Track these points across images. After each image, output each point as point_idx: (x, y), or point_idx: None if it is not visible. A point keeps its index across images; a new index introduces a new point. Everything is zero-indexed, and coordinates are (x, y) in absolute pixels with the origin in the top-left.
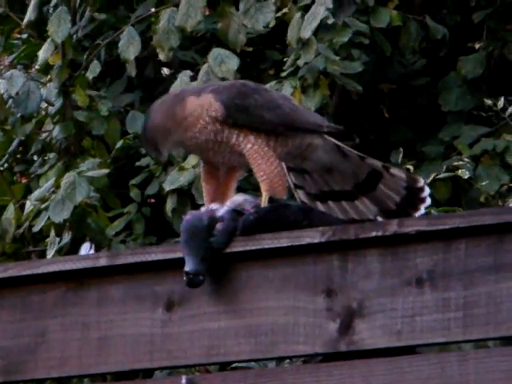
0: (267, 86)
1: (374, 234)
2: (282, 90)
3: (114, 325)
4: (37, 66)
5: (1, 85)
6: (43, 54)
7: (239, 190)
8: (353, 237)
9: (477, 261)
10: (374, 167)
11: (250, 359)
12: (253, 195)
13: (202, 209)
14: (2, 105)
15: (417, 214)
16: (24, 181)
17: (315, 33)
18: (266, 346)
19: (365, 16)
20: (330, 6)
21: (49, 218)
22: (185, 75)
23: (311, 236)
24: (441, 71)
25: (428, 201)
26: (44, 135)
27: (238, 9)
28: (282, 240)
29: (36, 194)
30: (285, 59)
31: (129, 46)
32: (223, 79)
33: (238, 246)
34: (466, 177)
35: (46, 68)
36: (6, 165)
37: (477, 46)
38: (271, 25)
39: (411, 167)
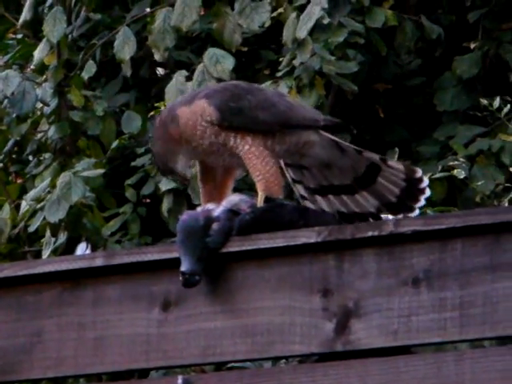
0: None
1: (370, 233)
2: None
3: (110, 325)
4: (32, 66)
5: None
6: (38, 54)
7: (235, 189)
8: (349, 237)
9: (473, 260)
10: (372, 160)
11: (246, 359)
12: (249, 195)
13: (198, 209)
14: None
15: (417, 205)
16: (19, 181)
17: (311, 33)
18: (262, 346)
19: (360, 16)
20: (326, 5)
21: (44, 218)
22: (180, 75)
23: (307, 236)
24: (436, 71)
25: (428, 191)
26: (39, 135)
27: (233, 9)
28: (278, 240)
29: (31, 193)
30: (280, 59)
31: (124, 46)
32: (218, 79)
33: (234, 246)
34: (461, 177)
35: (42, 68)
36: (1, 165)
37: (472, 45)
38: (266, 25)
39: None
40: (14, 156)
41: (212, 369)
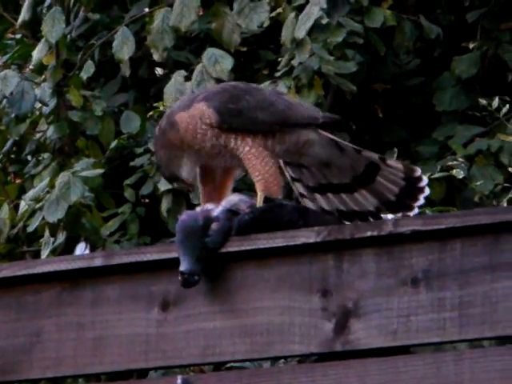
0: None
1: (369, 233)
2: None
3: (109, 325)
4: (31, 66)
5: None
6: (37, 54)
7: (234, 190)
8: (348, 237)
9: (472, 260)
10: (371, 159)
11: (246, 359)
12: (248, 195)
13: (198, 209)
14: None
15: (416, 204)
16: (18, 181)
17: (309, 33)
18: (261, 346)
19: (359, 16)
20: (324, 6)
21: (43, 218)
22: (179, 75)
23: (306, 236)
24: (435, 71)
25: (427, 190)
26: (38, 135)
27: (232, 9)
28: (278, 240)
29: (30, 193)
30: (279, 59)
31: (123, 46)
32: (217, 79)
33: (234, 246)
34: (460, 177)
35: (40, 68)
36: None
37: (471, 45)
38: (265, 25)
39: None
40: (12, 156)
41: (211, 369)
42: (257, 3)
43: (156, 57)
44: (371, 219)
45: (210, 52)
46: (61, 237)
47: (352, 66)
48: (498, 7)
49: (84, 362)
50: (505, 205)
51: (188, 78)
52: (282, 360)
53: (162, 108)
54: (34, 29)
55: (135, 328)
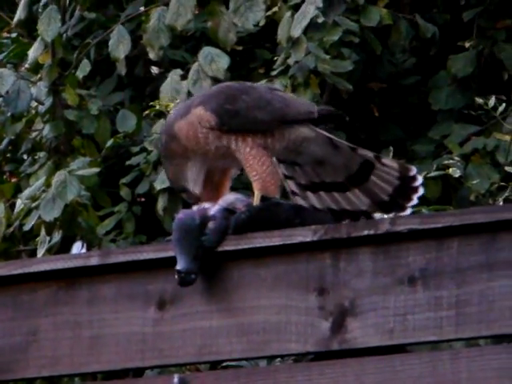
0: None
1: (366, 232)
2: None
3: (106, 324)
4: (26, 65)
5: None
6: (33, 52)
7: (230, 189)
8: (345, 235)
9: (469, 259)
10: (366, 158)
11: (242, 358)
12: (244, 194)
13: (194, 207)
14: None
15: (410, 205)
16: (14, 180)
17: (305, 32)
18: (258, 345)
19: (355, 15)
20: (320, 4)
21: (39, 217)
22: (175, 74)
23: (303, 234)
24: (431, 70)
25: (421, 190)
26: (34, 134)
27: (228, 7)
28: (274, 239)
29: (26, 192)
30: (275, 58)
31: (119, 44)
32: (213, 78)
33: (230, 245)
34: (456, 175)
35: (36, 67)
36: None
37: (467, 44)
38: (261, 23)
39: None
40: (8, 155)
41: (207, 368)
42: (252, 2)
43: (152, 55)
44: (363, 218)
45: (206, 51)
46: (57, 236)
47: (348, 64)
48: (493, 6)
49: (80, 361)
50: (501, 203)
51: (184, 77)
52: (279, 359)
53: (158, 107)
54: (29, 28)
55: (132, 327)
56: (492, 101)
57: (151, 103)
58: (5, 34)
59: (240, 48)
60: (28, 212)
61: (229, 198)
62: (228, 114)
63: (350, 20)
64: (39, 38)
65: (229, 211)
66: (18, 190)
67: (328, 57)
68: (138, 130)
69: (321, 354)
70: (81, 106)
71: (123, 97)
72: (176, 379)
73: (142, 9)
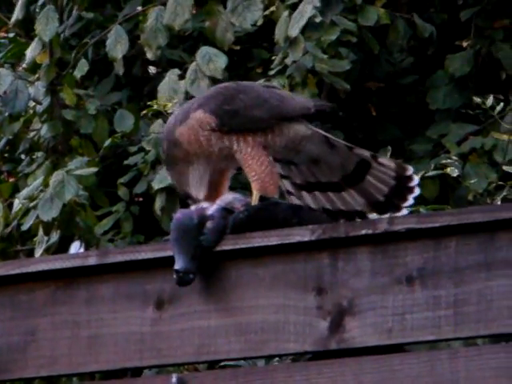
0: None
1: (364, 231)
2: None
3: (104, 323)
4: (24, 65)
5: None
6: (31, 52)
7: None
8: (343, 235)
9: (467, 258)
10: (362, 157)
11: (241, 357)
12: (242, 194)
13: (193, 207)
14: None
15: (405, 205)
16: (11, 180)
17: (303, 31)
18: (256, 345)
19: (352, 14)
20: (318, 4)
21: (37, 217)
22: (173, 73)
23: (301, 234)
24: (428, 69)
25: (417, 190)
26: (32, 134)
27: (225, 7)
28: (272, 238)
29: (24, 192)
30: (273, 57)
31: (116, 44)
32: (211, 78)
33: (228, 245)
34: (454, 175)
35: (34, 67)
36: None
37: (464, 44)
38: (259, 23)
39: None
40: (6, 155)
41: (205, 367)
42: (250, 1)
43: (149, 55)
44: (358, 219)
45: (204, 50)
46: (55, 235)
47: (346, 64)
48: (491, 5)
49: (79, 361)
50: (499, 203)
51: (182, 77)
52: (277, 358)
53: (155, 106)
54: (27, 27)
55: (130, 326)
56: (490, 100)
57: (149, 103)
58: (2, 34)
59: (238, 48)
60: (26, 212)
61: (227, 197)
62: (227, 115)
63: (347, 19)
64: (37, 38)
65: (227, 211)
66: (15, 189)
67: (326, 56)
68: (135, 130)
69: (319, 354)
70: (79, 106)
71: (121, 96)
72: (174, 379)
73: (140, 8)
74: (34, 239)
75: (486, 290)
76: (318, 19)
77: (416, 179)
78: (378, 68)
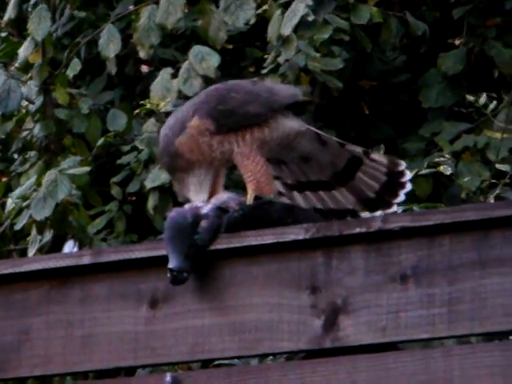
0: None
1: (357, 230)
2: None
3: (98, 323)
4: (17, 65)
5: None
6: (23, 52)
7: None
8: (337, 233)
9: (461, 256)
10: (353, 154)
11: (235, 356)
12: (238, 193)
13: (187, 206)
14: None
15: (396, 201)
16: (4, 179)
17: (295, 30)
18: (250, 343)
19: (345, 13)
20: (310, 2)
21: (30, 216)
22: (165, 72)
23: (295, 233)
24: (421, 68)
25: (408, 186)
26: (25, 133)
27: (218, 6)
28: (267, 237)
29: (17, 192)
30: (265, 56)
31: (109, 43)
32: (204, 76)
33: (223, 243)
34: (447, 173)
35: (26, 66)
36: None
37: (457, 42)
38: (251, 22)
39: None
40: None
41: (199, 366)
42: (243, 0)
43: (142, 54)
44: (349, 217)
45: (197, 49)
46: (48, 235)
47: (338, 62)
48: (483, 3)
49: (73, 360)
50: (492, 201)
51: (174, 76)
52: (271, 357)
53: (148, 106)
54: (19, 27)
55: (124, 326)
56: (483, 98)
57: (142, 102)
58: None
59: (230, 46)
60: (19, 211)
61: (222, 196)
62: (223, 115)
63: (340, 18)
64: (29, 37)
65: (221, 210)
66: (8, 189)
67: (318, 55)
68: (128, 129)
69: (313, 352)
70: (71, 105)
71: (114, 96)
72: (168, 378)
73: (132, 7)
74: (27, 239)
75: (480, 288)
76: (310, 18)
77: (408, 174)
78: (371, 66)
